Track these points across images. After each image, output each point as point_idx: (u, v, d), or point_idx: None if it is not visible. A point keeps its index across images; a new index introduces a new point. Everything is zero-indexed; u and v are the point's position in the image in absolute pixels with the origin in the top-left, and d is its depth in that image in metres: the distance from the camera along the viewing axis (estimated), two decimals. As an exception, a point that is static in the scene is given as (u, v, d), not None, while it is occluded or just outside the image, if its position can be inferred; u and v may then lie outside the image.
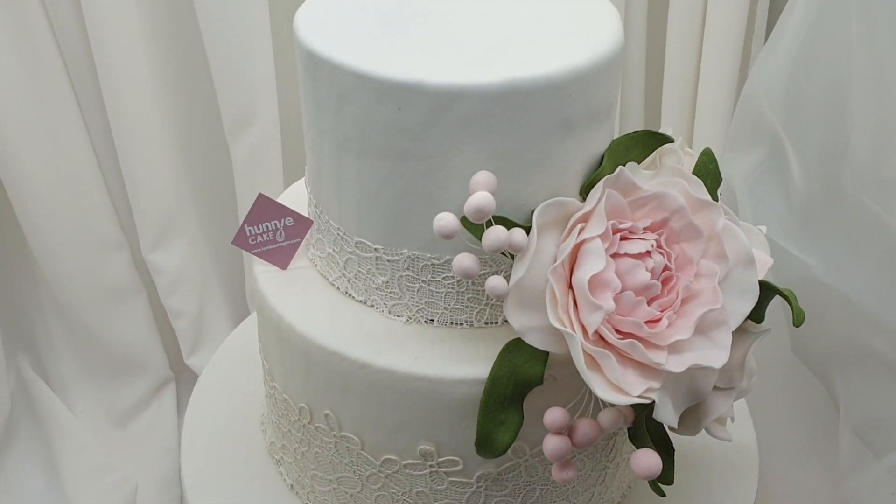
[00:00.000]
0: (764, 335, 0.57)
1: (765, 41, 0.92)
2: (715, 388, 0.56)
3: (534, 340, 0.51)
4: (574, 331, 0.49)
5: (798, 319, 0.54)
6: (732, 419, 0.60)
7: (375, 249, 0.57)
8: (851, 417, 0.78)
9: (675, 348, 0.52)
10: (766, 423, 0.85)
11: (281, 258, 0.63)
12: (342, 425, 0.59)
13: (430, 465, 0.58)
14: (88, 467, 0.92)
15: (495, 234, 0.48)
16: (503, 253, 0.50)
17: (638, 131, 0.57)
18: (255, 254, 0.63)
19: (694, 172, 0.57)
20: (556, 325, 0.49)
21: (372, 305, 0.59)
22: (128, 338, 0.99)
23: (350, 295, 0.60)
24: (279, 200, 0.67)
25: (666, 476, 0.58)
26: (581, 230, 0.52)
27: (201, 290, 1.02)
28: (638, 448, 0.54)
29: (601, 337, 0.50)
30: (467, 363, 0.55)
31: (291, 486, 0.69)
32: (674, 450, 0.58)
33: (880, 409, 0.77)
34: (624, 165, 0.56)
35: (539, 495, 0.61)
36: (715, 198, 0.58)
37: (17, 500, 0.90)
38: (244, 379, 0.80)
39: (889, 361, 0.74)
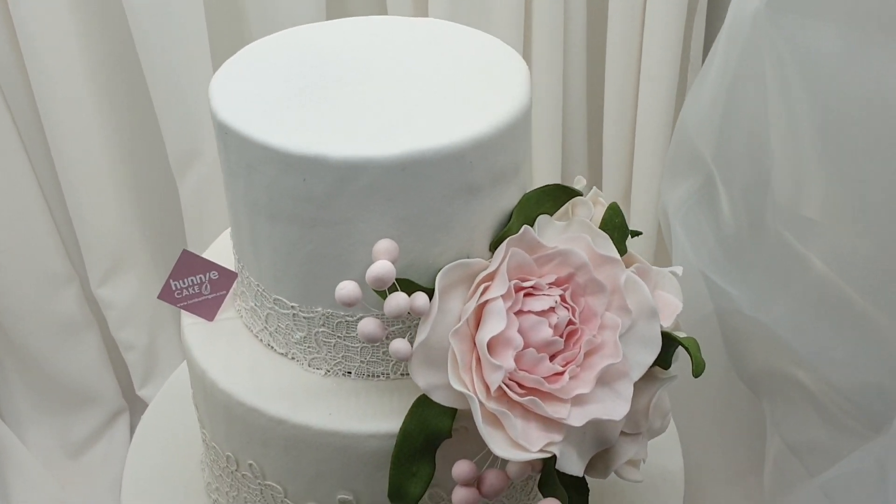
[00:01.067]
0: (670, 381, 0.59)
1: (700, 66, 0.94)
2: (622, 433, 0.58)
3: (440, 398, 0.53)
4: (475, 390, 0.51)
5: (697, 370, 0.56)
6: (644, 460, 0.62)
7: (292, 307, 0.58)
8: (781, 439, 0.81)
9: (578, 400, 0.54)
10: (699, 442, 0.87)
11: (207, 310, 0.65)
12: (265, 474, 0.61)
13: (352, 513, 0.60)
14: (40, 500, 0.94)
15: (395, 302, 0.50)
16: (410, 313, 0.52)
17: (548, 185, 0.59)
18: (181, 307, 0.64)
19: (601, 227, 0.59)
20: (457, 386, 0.51)
21: (293, 358, 0.61)
22: (80, 370, 1.01)
23: (272, 347, 0.62)
24: (208, 251, 0.69)
25: (579, 518, 0.60)
26: (485, 290, 0.54)
27: (152, 323, 1.03)
28: (545, 496, 0.56)
29: (504, 393, 0.52)
30: (380, 418, 0.56)
31: (227, 528, 0.71)
32: (587, 490, 0.60)
33: (807, 434, 0.79)
34: (535, 219, 0.58)
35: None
36: (623, 250, 0.60)
37: (-31, 536, 0.92)
38: (190, 413, 0.81)
39: (810, 391, 0.77)
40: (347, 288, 0.49)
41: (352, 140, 0.51)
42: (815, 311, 0.74)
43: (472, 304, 0.52)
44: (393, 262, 0.50)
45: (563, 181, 1.07)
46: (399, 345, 0.51)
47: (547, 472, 0.57)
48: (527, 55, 0.97)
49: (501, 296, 0.53)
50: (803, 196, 0.72)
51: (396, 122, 0.53)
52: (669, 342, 0.58)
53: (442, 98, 0.56)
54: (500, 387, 0.52)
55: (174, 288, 0.64)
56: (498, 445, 0.51)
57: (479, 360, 0.53)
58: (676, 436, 0.81)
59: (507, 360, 0.52)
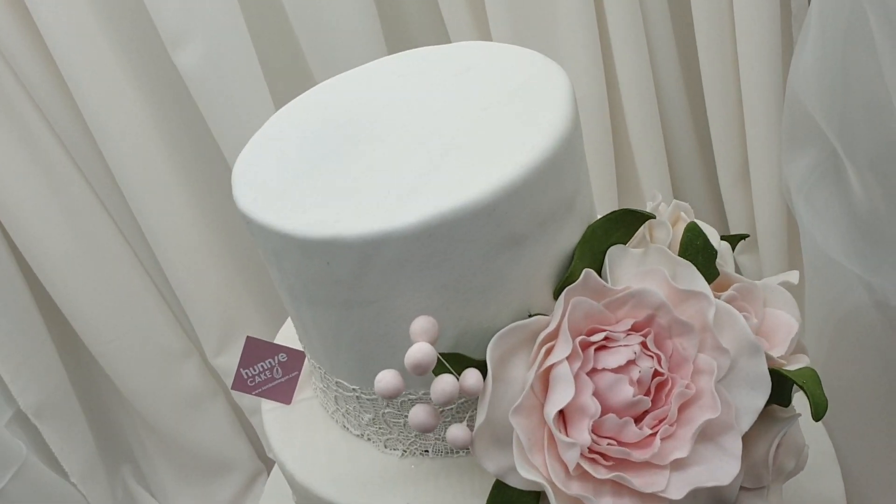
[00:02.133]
0: (792, 421, 0.50)
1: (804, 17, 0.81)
2: (743, 489, 0.50)
3: (516, 482, 0.47)
4: (549, 473, 0.45)
5: (817, 412, 0.47)
6: (780, 509, 0.53)
7: (353, 389, 0.54)
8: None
9: (676, 465, 0.46)
10: (861, 458, 0.76)
11: (283, 394, 0.62)
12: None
13: None
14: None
15: (441, 387, 0.45)
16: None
17: (615, 212, 0.52)
18: (255, 394, 0.62)
19: (680, 253, 0.51)
20: (526, 474, 0.45)
21: (368, 439, 0.57)
22: (213, 438, 1.03)
23: (347, 429, 0.58)
24: (280, 332, 0.67)
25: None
26: (548, 352, 0.47)
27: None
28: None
29: (585, 471, 0.46)
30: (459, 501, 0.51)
31: None
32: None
33: None
34: (604, 252, 0.51)
35: None
36: (713, 274, 0.51)
37: None
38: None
39: None
40: (386, 379, 0.44)
41: (369, 214, 0.46)
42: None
43: (532, 374, 0.46)
44: (433, 342, 0.45)
45: (672, 178, 0.96)
46: (456, 432, 0.46)
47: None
48: (603, 35, 0.88)
49: (566, 358, 0.46)
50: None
51: (417, 184, 0.47)
52: (783, 377, 0.49)
53: (469, 144, 0.49)
54: (578, 465, 0.45)
55: (246, 377, 0.62)
56: (584, 534, 0.44)
57: (551, 436, 0.46)
58: (834, 456, 0.70)
59: (582, 435, 0.45)
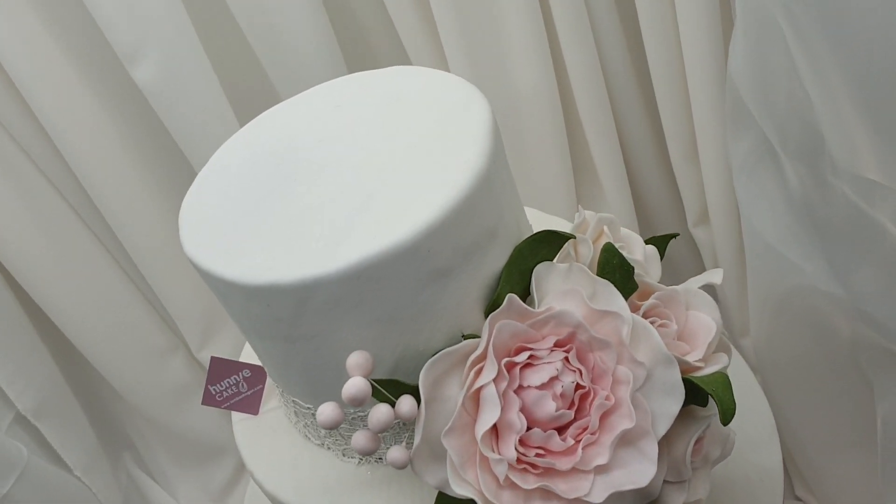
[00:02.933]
0: (707, 421, 0.54)
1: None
2: (666, 482, 0.55)
3: (456, 494, 0.52)
4: (480, 486, 0.50)
5: (724, 417, 0.51)
6: (703, 497, 0.58)
7: (308, 408, 0.59)
8: (890, 405, 0.72)
9: (600, 470, 0.51)
10: (808, 415, 0.80)
11: (250, 406, 0.67)
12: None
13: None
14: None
15: (377, 417, 0.49)
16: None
17: (538, 233, 0.55)
18: (224, 408, 0.67)
19: (599, 273, 0.54)
20: (459, 490, 0.49)
21: (328, 448, 0.62)
22: (205, 427, 1.08)
23: (309, 438, 0.63)
24: (244, 349, 0.71)
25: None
26: (477, 374, 0.51)
27: (256, 372, 1.08)
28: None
29: (511, 482, 0.50)
30: (410, 508, 0.56)
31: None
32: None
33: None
34: (531, 270, 0.54)
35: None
36: (631, 288, 0.55)
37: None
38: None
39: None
40: (326, 413, 0.49)
41: (303, 259, 0.50)
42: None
43: (462, 395, 0.50)
44: (367, 375, 0.49)
45: (627, 161, 0.99)
46: (395, 454, 0.50)
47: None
48: (553, 42, 0.89)
49: (493, 380, 0.50)
50: (857, 156, 0.63)
51: (347, 226, 0.51)
52: (698, 386, 0.53)
53: (394, 183, 0.53)
54: (507, 477, 0.50)
55: (214, 392, 0.66)
56: (513, 539, 0.49)
57: (482, 452, 0.50)
58: (774, 428, 0.74)
59: (509, 450, 0.50)
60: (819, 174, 0.68)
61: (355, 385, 0.48)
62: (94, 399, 1.09)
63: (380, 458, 0.60)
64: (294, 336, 0.53)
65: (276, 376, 0.59)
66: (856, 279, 0.66)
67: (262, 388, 0.66)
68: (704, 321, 0.58)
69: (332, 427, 0.49)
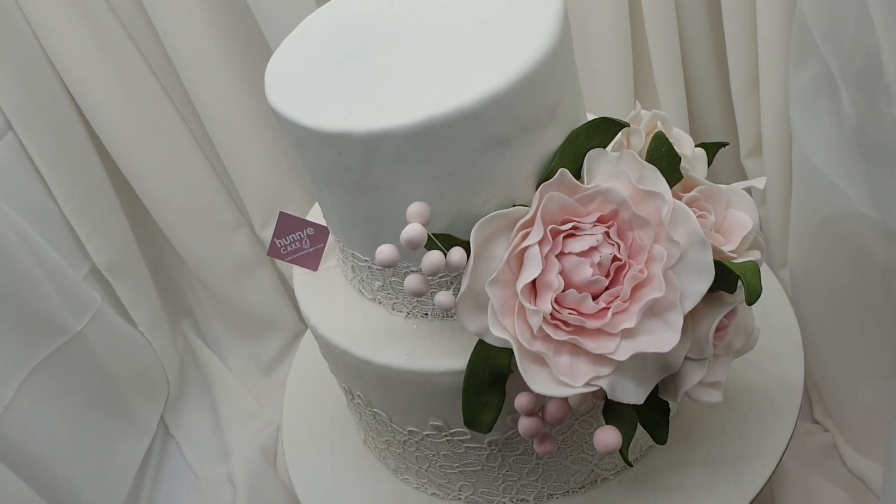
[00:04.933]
0: (731, 306, 0.58)
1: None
2: (688, 359, 0.59)
3: (492, 340, 0.57)
4: (516, 334, 0.55)
5: (750, 297, 0.55)
6: (723, 381, 0.62)
7: (365, 260, 0.64)
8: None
9: (626, 334, 0.55)
10: (836, 341, 0.83)
11: (310, 262, 0.73)
12: (371, 404, 0.69)
13: (445, 436, 0.67)
14: (242, 414, 1.11)
15: (429, 261, 0.54)
16: (451, 268, 0.56)
17: (595, 119, 0.59)
18: (288, 261, 0.73)
19: (647, 158, 0.58)
20: (496, 332, 0.54)
21: (379, 303, 0.67)
22: (261, 302, 1.15)
23: (362, 293, 0.69)
24: (310, 214, 0.76)
25: (658, 433, 0.62)
26: (524, 237, 0.56)
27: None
28: (607, 423, 0.58)
29: (546, 334, 0.55)
30: (452, 356, 0.62)
31: (364, 440, 0.81)
32: (668, 409, 0.62)
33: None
34: (585, 154, 0.58)
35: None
36: (675, 177, 0.59)
37: (192, 444, 1.11)
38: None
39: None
40: (384, 252, 0.54)
41: (375, 113, 0.54)
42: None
43: (506, 253, 0.55)
44: (425, 223, 0.54)
45: (687, 84, 1.01)
46: (442, 297, 0.55)
47: (610, 400, 0.59)
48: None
49: (538, 242, 0.55)
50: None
51: (418, 88, 0.55)
52: (728, 270, 0.57)
53: (466, 54, 0.57)
54: (541, 328, 0.55)
55: (279, 245, 0.72)
56: (539, 383, 0.54)
57: (521, 305, 0.55)
58: (800, 342, 0.78)
59: (545, 304, 0.54)
60: (874, 102, 0.70)
61: (413, 230, 0.53)
62: (162, 265, 1.17)
63: (425, 314, 0.65)
64: (362, 186, 0.58)
65: (338, 229, 0.65)
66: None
67: (324, 247, 0.72)
68: (742, 218, 0.61)
69: (388, 265, 0.54)
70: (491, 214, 0.55)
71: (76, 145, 1.02)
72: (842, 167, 0.75)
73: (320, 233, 0.71)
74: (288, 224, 0.71)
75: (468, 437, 0.66)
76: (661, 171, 0.57)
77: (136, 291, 1.09)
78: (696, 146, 0.67)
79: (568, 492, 0.72)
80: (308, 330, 0.95)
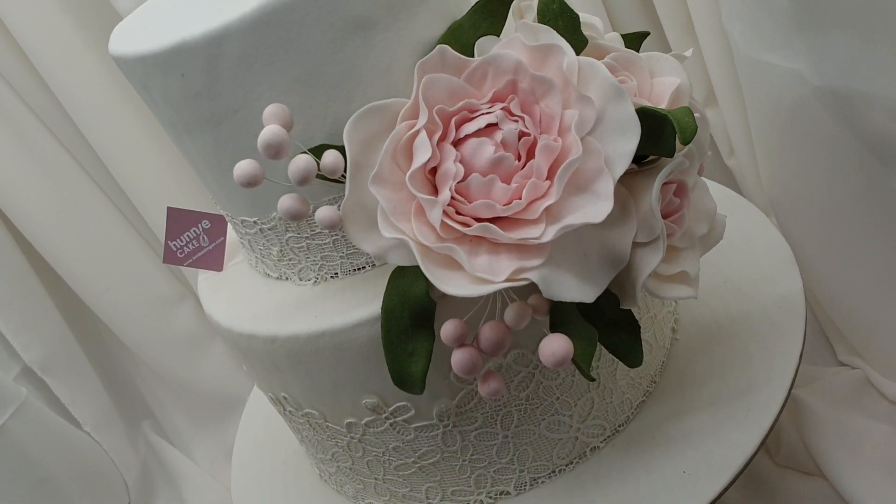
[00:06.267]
0: (675, 168, 0.49)
1: None
2: (635, 244, 0.49)
3: (396, 259, 0.47)
4: (416, 236, 0.45)
5: (685, 137, 0.46)
6: (693, 274, 0.51)
7: (254, 223, 0.55)
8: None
9: (552, 215, 0.45)
10: (844, 266, 0.72)
11: (213, 261, 0.64)
12: (300, 404, 0.58)
13: (386, 417, 0.55)
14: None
15: (296, 165, 0.45)
16: (331, 179, 0.47)
17: (479, 2, 0.52)
18: (187, 265, 0.64)
19: (538, 20, 0.50)
20: (387, 233, 0.44)
21: (286, 278, 0.58)
22: (216, 379, 1.05)
23: (268, 275, 0.59)
24: (188, 209, 0.68)
25: (631, 356, 0.51)
26: (409, 127, 0.47)
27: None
28: (554, 335, 0.47)
29: (454, 230, 0.45)
30: (363, 305, 0.52)
31: (319, 475, 0.69)
32: (637, 326, 0.51)
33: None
34: (472, 45, 0.51)
35: (521, 417, 0.56)
36: (579, 42, 0.51)
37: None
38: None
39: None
40: (242, 167, 0.45)
41: (209, 17, 0.47)
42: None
43: (389, 147, 0.46)
44: (286, 126, 0.45)
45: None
46: (324, 212, 0.46)
47: (557, 313, 0.48)
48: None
49: (424, 126, 0.46)
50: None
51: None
52: (657, 120, 0.47)
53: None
54: (445, 224, 0.45)
55: (175, 248, 0.63)
56: (452, 284, 0.44)
57: (419, 205, 0.46)
58: (791, 256, 0.67)
59: (443, 194, 0.45)
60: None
61: (271, 131, 0.45)
62: (108, 362, 1.07)
63: (335, 274, 0.56)
64: (217, 114, 0.50)
65: (219, 194, 0.56)
66: (864, 63, 0.60)
67: (224, 240, 0.63)
68: (669, 82, 0.53)
69: (250, 183, 0.45)
70: (364, 108, 0.47)
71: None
72: (783, 48, 0.66)
73: (217, 224, 0.63)
74: (179, 220, 0.63)
75: (412, 412, 0.55)
76: (558, 33, 0.49)
77: (79, 390, 0.99)
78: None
79: (554, 472, 0.59)
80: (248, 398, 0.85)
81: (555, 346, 0.45)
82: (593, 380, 0.50)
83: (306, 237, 0.54)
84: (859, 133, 0.62)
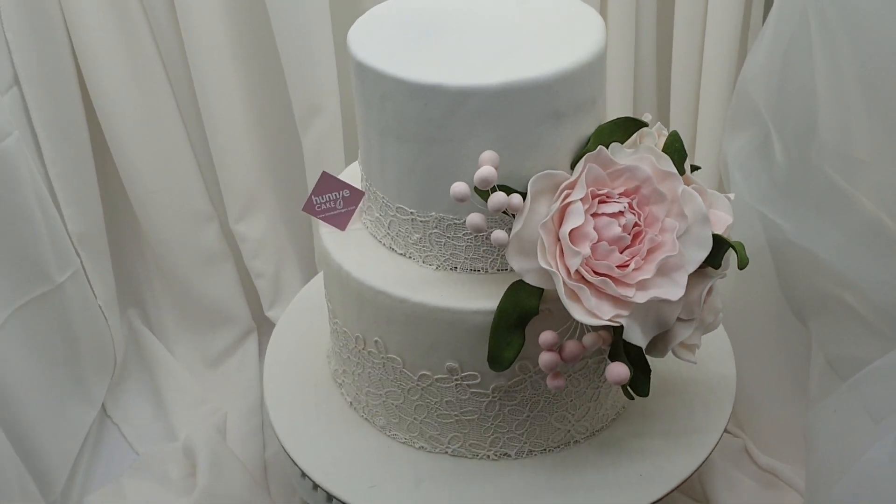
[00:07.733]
0: (718, 277, 0.72)
1: (759, 29, 1.05)
2: (679, 319, 0.71)
3: (530, 280, 0.67)
4: (558, 271, 0.65)
5: (741, 263, 0.69)
6: (698, 346, 0.75)
7: (411, 213, 0.73)
8: (824, 358, 0.92)
9: (641, 286, 0.67)
10: (751, 361, 0.99)
11: (340, 221, 0.80)
12: (388, 349, 0.77)
13: (455, 379, 0.75)
14: (187, 399, 1.12)
15: (497, 198, 0.64)
16: (504, 212, 0.66)
17: (620, 118, 0.73)
18: (320, 218, 0.80)
19: (663, 150, 0.72)
20: (544, 266, 0.65)
21: (410, 257, 0.76)
22: (218, 295, 1.19)
23: (393, 249, 0.77)
24: (339, 177, 0.85)
25: (641, 388, 0.73)
26: (567, 195, 0.68)
27: (278, 255, 1.21)
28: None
29: (581, 276, 0.66)
30: (482, 299, 0.71)
31: (350, 402, 0.87)
32: (650, 369, 0.73)
33: (849, 348, 0.90)
34: (607, 146, 0.71)
35: (543, 406, 0.77)
36: (681, 171, 0.73)
37: (131, 426, 1.11)
38: (311, 324, 0.97)
39: (856, 310, 0.88)
40: (460, 186, 0.64)
41: (464, 73, 0.66)
42: (860, 240, 0.84)
43: (557, 205, 0.66)
44: (496, 167, 0.65)
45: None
46: (499, 234, 0.65)
47: (615, 345, 0.70)
48: (602, 12, 1.10)
49: (580, 199, 0.67)
50: (850, 139, 0.83)
51: (496, 60, 0.67)
52: (720, 245, 0.70)
53: (531, 42, 0.70)
54: (577, 270, 0.66)
55: (315, 203, 0.80)
56: (576, 312, 0.65)
57: (562, 250, 0.66)
58: (730, 348, 0.93)
59: (584, 248, 0.66)
60: (806, 156, 0.89)
61: (488, 170, 0.64)
62: (120, 249, 1.18)
63: (454, 268, 0.74)
64: (436, 138, 0.68)
65: (390, 183, 0.74)
66: (825, 238, 0.86)
67: (355, 209, 0.80)
68: (722, 216, 0.76)
69: (463, 199, 0.64)
70: (544, 172, 0.67)
71: (69, 110, 1.05)
72: (775, 206, 0.92)
73: (355, 195, 0.80)
74: (328, 184, 0.79)
75: (477, 380, 0.75)
76: (673, 163, 0.71)
77: (98, 268, 1.10)
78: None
79: (545, 449, 0.81)
80: (276, 327, 0.99)
81: (620, 370, 0.67)
82: (647, 394, 0.71)
83: (447, 236, 0.73)
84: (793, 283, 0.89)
